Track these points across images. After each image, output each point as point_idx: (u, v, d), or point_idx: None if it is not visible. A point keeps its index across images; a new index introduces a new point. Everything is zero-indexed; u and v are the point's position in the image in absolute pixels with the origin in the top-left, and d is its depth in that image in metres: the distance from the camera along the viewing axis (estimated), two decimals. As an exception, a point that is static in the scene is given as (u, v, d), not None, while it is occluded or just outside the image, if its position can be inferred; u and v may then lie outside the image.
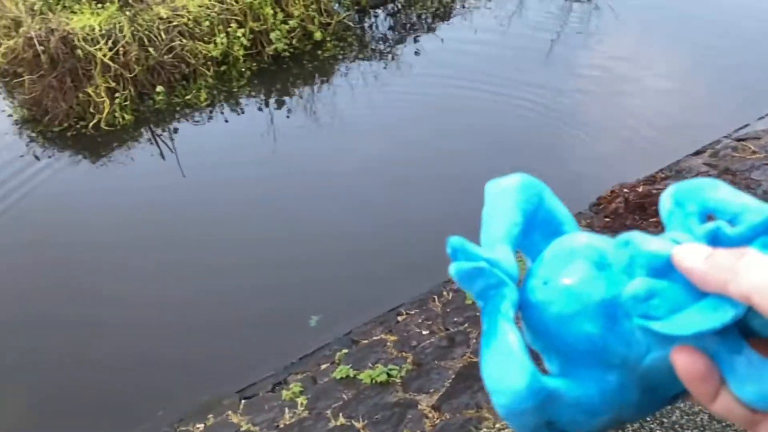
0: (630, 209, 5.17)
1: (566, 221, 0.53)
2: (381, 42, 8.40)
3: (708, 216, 0.47)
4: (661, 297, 0.42)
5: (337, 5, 8.24)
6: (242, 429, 4.34)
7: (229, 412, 4.60)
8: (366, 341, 5.02)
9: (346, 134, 7.13)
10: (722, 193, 0.47)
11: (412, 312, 5.23)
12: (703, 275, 0.40)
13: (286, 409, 4.37)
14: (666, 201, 0.49)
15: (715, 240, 0.43)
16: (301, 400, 4.41)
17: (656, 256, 0.43)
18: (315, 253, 5.85)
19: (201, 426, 4.54)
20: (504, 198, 0.51)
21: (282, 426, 4.24)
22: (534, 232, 0.52)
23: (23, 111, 7.18)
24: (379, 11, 8.68)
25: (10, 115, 7.30)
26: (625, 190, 5.44)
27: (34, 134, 7.14)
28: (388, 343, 4.87)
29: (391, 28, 8.58)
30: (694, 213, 0.47)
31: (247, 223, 6.14)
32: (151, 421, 4.78)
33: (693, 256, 0.41)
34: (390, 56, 8.14)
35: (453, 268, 0.45)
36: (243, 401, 4.74)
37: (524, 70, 7.70)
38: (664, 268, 0.42)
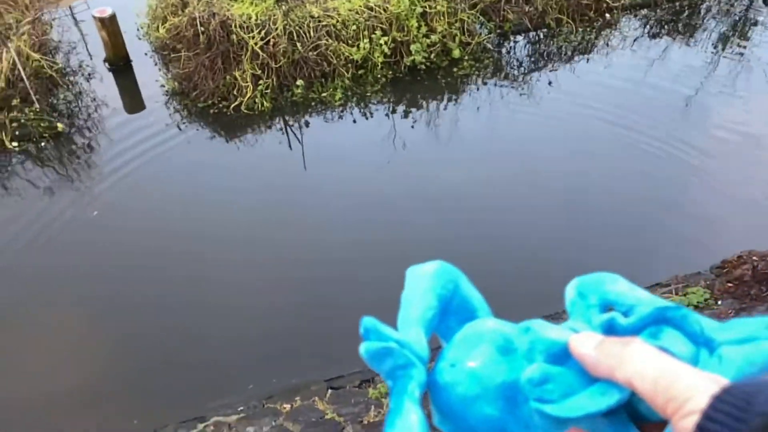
0: (757, 278, 4.89)
1: (480, 307, 0.55)
2: (516, 67, 8.41)
3: (609, 308, 0.50)
4: (555, 382, 0.45)
5: (479, 26, 8.33)
6: (327, 417, 4.48)
7: (316, 398, 4.75)
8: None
9: (465, 150, 7.18)
10: (620, 287, 0.50)
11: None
12: (594, 362, 0.44)
13: (372, 407, 4.46)
14: (570, 292, 0.52)
15: (610, 329, 0.47)
16: (387, 401, 4.49)
17: (554, 342, 0.46)
18: (414, 257, 5.94)
19: (288, 406, 4.72)
20: (421, 283, 0.53)
21: (366, 423, 4.34)
22: (450, 317, 0.54)
23: (175, 83, 7.75)
24: (519, 38, 8.69)
25: (162, 86, 7.91)
26: (755, 258, 5.16)
27: (180, 106, 7.69)
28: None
29: (528, 55, 8.57)
30: (595, 304, 0.50)
31: (358, 220, 6.33)
32: (241, 394, 5.02)
33: (586, 343, 0.45)
34: (522, 82, 8.14)
35: (362, 348, 0.47)
36: (330, 390, 4.88)
37: (658, 118, 7.46)
38: (562, 355, 0.46)
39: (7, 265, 5.89)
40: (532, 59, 8.55)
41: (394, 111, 7.75)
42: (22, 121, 7.17)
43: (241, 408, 4.83)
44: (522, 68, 8.41)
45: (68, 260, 5.94)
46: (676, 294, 4.91)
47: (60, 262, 5.92)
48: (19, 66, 7.12)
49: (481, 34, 8.31)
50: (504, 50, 8.59)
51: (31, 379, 5.07)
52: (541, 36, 8.76)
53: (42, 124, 7.19)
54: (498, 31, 8.50)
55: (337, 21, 7.63)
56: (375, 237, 6.17)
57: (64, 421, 4.88)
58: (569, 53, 8.60)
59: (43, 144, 7.15)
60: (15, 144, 7.07)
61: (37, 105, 7.27)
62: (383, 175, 6.87)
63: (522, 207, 6.48)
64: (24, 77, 7.17)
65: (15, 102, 7.24)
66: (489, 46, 8.42)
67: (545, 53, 8.64)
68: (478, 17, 8.27)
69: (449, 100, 7.92)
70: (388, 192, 6.69)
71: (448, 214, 6.32)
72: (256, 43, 7.31)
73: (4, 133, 7.04)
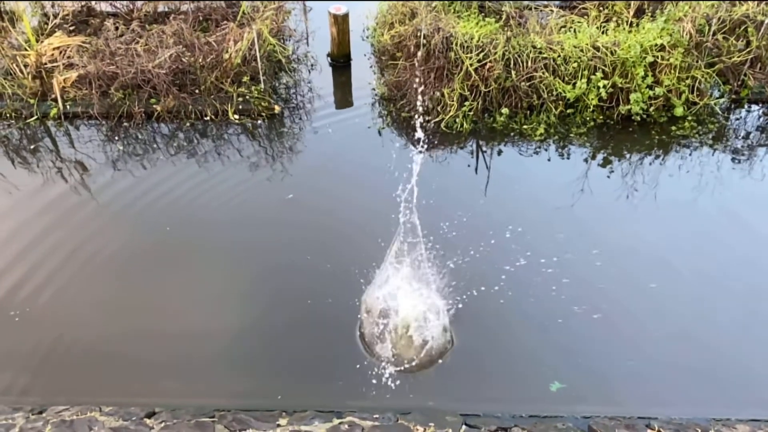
0: None
1: None
2: (742, 138, 7.59)
3: None
4: None
5: (712, 87, 7.64)
6: (458, 456, 4.33)
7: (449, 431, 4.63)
8: (606, 436, 4.65)
9: (656, 209, 6.61)
10: None
11: (668, 429, 4.70)
12: None
13: (506, 462, 4.25)
14: None
15: None
16: (523, 461, 4.25)
17: None
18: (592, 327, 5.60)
19: (421, 429, 4.65)
20: None
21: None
22: None
23: (384, 89, 8.03)
24: (755, 107, 7.84)
25: (373, 89, 8.24)
26: None
27: (384, 112, 7.96)
28: (630, 452, 4.44)
29: (760, 128, 7.71)
30: None
31: (518, 256, 6.09)
32: (379, 401, 5.04)
33: None
34: (745, 156, 7.32)
35: None
36: (465, 427, 4.73)
37: None
38: None
39: (196, 216, 6.51)
40: (765, 133, 7.67)
41: (593, 157, 7.36)
42: (247, 97, 7.86)
43: (377, 416, 4.85)
44: (749, 140, 7.58)
45: (255, 231, 6.41)
46: None
47: (247, 230, 6.39)
48: (257, 46, 7.81)
49: (711, 95, 7.62)
50: (733, 117, 7.81)
51: (191, 324, 5.53)
52: (783, 109, 7.84)
53: (262, 104, 7.84)
54: (733, 96, 7.74)
55: (558, 56, 7.42)
56: (528, 278, 5.90)
57: (216, 376, 5.24)
58: (812, 135, 7.61)
59: (258, 122, 7.79)
60: (236, 117, 7.78)
61: (262, 85, 7.94)
62: (558, 216, 6.55)
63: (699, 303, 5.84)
64: (258, 57, 7.86)
65: (245, 79, 7.97)
66: (717, 110, 7.69)
67: (782, 129, 7.72)
68: (714, 78, 7.59)
69: (657, 157, 7.35)
70: (560, 232, 6.35)
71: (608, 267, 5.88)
72: (471, 64, 7.34)
73: (229, 105, 7.78)
